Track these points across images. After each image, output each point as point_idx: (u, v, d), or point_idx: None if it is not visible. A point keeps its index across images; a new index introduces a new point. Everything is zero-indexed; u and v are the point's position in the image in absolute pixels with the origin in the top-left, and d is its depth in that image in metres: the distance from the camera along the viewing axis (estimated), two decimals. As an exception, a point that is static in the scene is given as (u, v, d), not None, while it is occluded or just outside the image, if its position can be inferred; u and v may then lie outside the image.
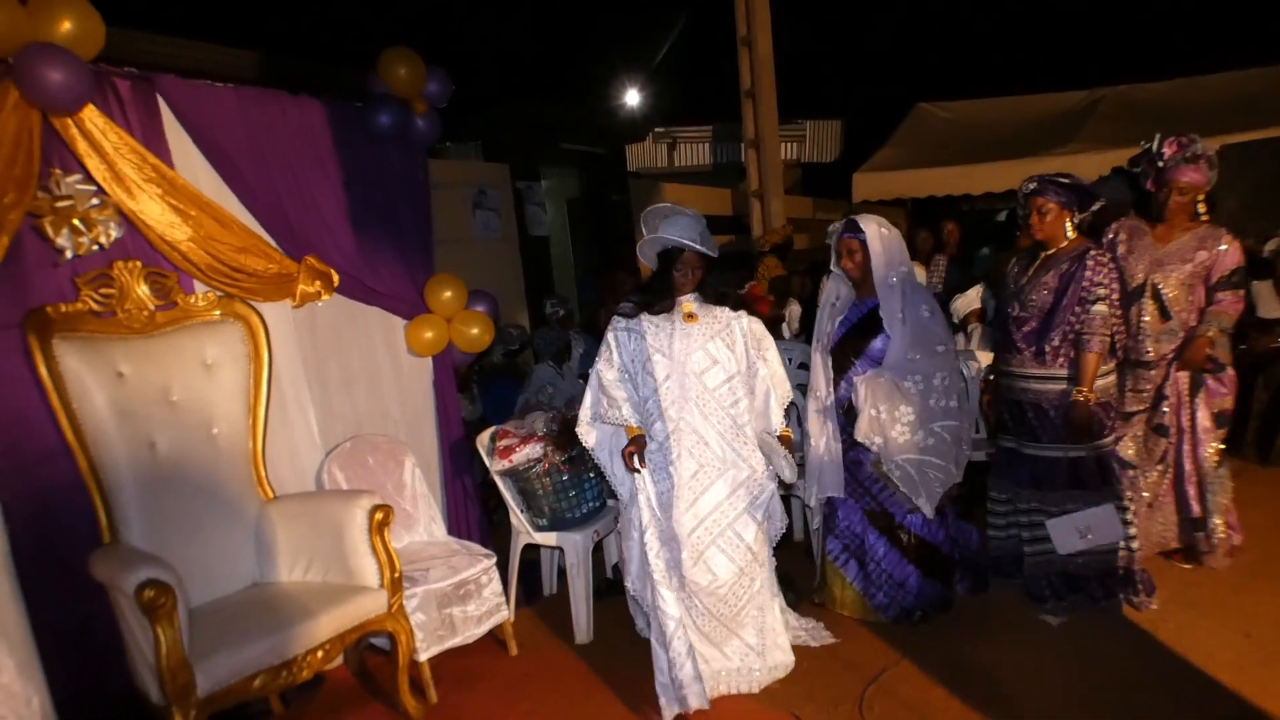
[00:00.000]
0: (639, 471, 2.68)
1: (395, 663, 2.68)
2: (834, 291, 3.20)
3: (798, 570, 3.49)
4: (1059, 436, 3.04)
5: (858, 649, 2.98)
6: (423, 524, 3.27)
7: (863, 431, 2.99)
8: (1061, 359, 3.01)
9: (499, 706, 2.79)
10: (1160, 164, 3.18)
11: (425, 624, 2.82)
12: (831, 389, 3.13)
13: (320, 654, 2.45)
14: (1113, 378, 3.10)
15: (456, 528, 3.47)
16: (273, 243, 2.99)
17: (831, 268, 3.19)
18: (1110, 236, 3.35)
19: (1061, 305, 2.96)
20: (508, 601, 3.18)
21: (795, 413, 3.78)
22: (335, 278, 3.15)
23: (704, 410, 2.70)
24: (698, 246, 2.67)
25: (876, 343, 3.04)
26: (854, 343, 3.09)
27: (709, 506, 2.68)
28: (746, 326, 2.79)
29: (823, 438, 3.14)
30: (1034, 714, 2.54)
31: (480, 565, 3.01)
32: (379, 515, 2.64)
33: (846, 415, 3.09)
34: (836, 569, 3.18)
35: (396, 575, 2.66)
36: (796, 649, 2.88)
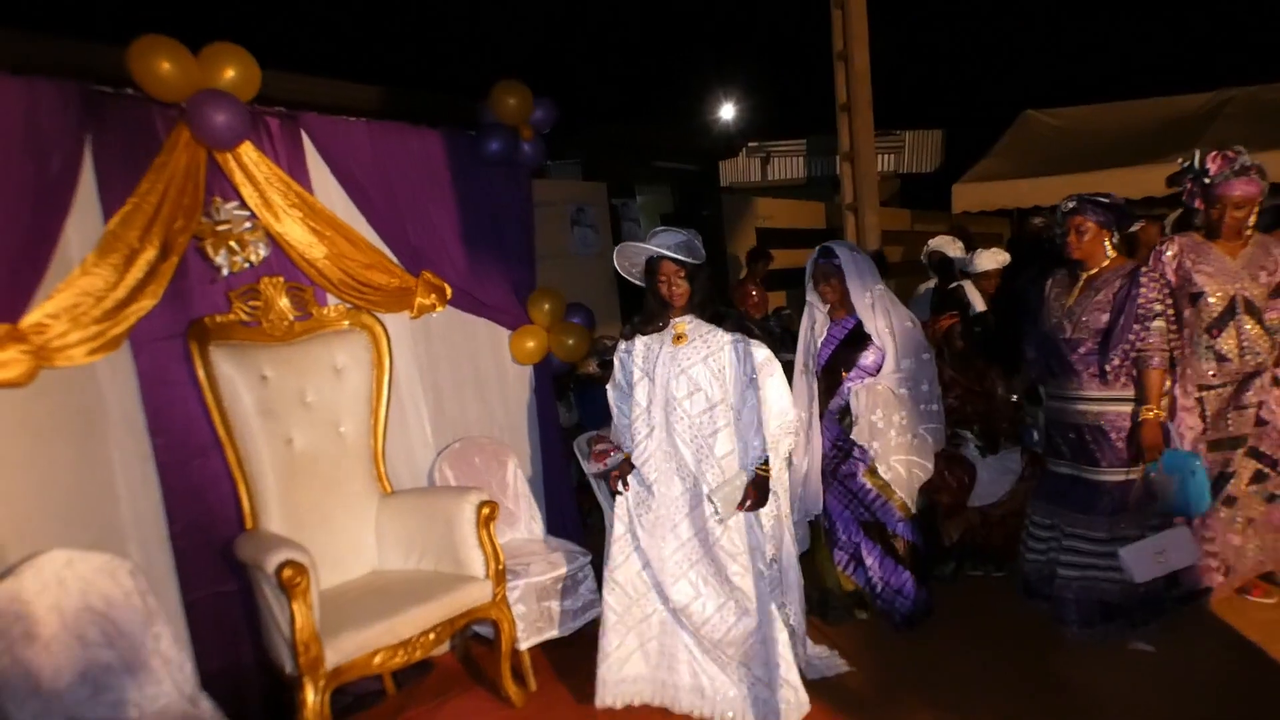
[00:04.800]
0: (621, 494, 2.74)
1: (498, 650, 2.88)
2: (809, 319, 3.34)
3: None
4: (1119, 460, 2.98)
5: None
6: (524, 522, 3.49)
7: (863, 435, 3.15)
8: (1124, 379, 2.95)
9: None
10: (1208, 180, 3.03)
11: (525, 615, 3.02)
12: (815, 408, 3.26)
13: (431, 636, 2.68)
14: (1167, 399, 3.02)
15: (554, 527, 3.66)
16: (394, 259, 3.27)
17: (808, 296, 3.32)
18: (1166, 251, 3.15)
19: (1119, 325, 2.91)
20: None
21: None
22: (448, 291, 3.41)
23: (684, 437, 2.68)
24: (665, 252, 2.59)
25: (867, 355, 3.19)
26: (845, 357, 3.23)
27: (688, 532, 2.69)
28: (744, 351, 2.66)
29: (805, 457, 3.26)
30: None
31: (577, 562, 3.19)
32: (486, 510, 2.86)
33: (841, 424, 3.22)
34: (846, 575, 3.33)
35: (501, 567, 2.87)
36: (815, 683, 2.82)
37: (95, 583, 2.18)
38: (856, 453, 3.20)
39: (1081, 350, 3.01)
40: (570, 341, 3.74)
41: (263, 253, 2.92)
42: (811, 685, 2.86)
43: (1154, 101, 7.78)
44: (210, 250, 2.80)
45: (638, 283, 2.81)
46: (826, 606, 3.37)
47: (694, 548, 2.68)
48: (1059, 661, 2.98)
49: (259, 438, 2.77)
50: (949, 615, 3.31)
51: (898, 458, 3.18)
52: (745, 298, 5.80)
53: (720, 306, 2.76)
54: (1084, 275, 3.05)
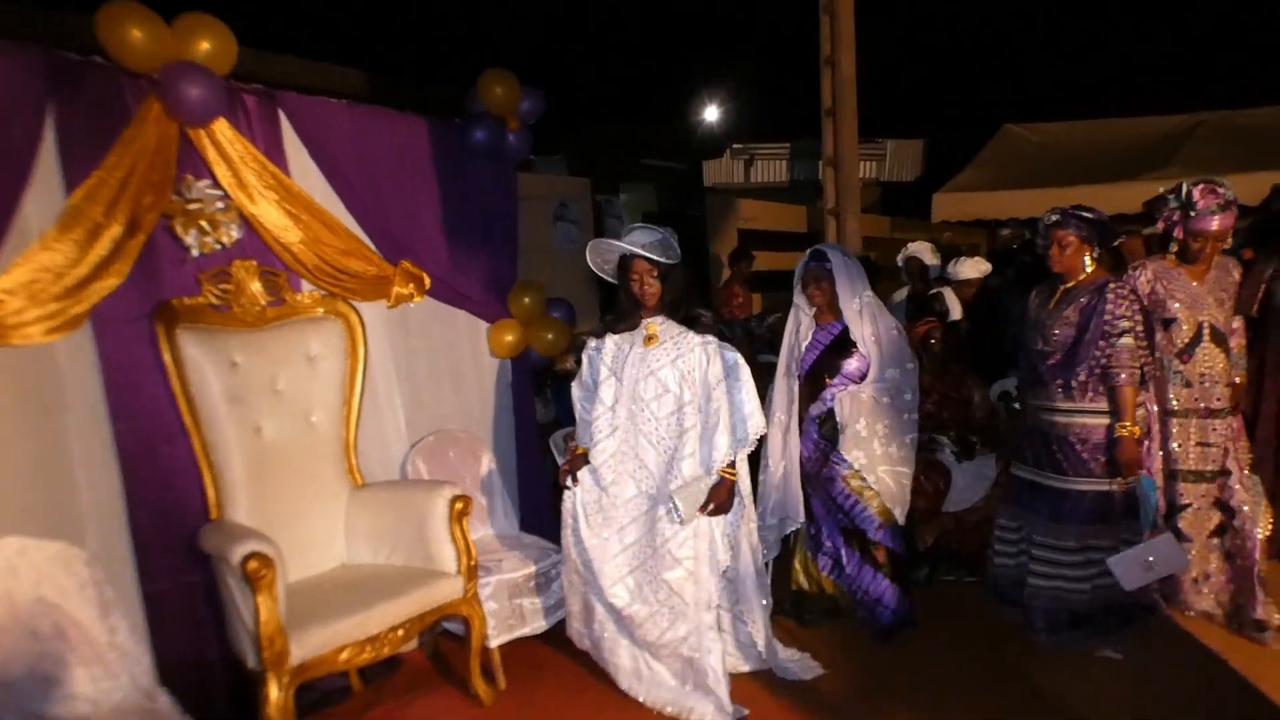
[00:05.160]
0: (569, 489, 2.75)
1: (468, 648, 2.82)
2: (794, 322, 3.30)
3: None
4: (1085, 471, 3.00)
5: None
6: (497, 517, 3.43)
7: (847, 444, 3.10)
8: (1091, 394, 2.97)
9: (565, 695, 2.91)
10: (1193, 213, 3.06)
11: (497, 612, 2.96)
12: (795, 411, 3.22)
13: (400, 632, 2.61)
14: (1142, 411, 3.05)
15: (528, 523, 3.60)
16: (372, 247, 3.19)
17: (795, 299, 3.28)
18: (1140, 276, 3.20)
19: (1085, 340, 2.92)
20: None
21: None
22: (427, 281, 3.34)
23: (650, 439, 2.67)
24: (637, 250, 2.58)
25: (851, 361, 3.15)
26: (829, 363, 3.19)
27: (634, 536, 2.67)
28: (714, 352, 2.64)
29: (782, 461, 3.23)
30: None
31: (550, 559, 3.13)
32: (459, 505, 2.79)
33: (821, 430, 3.19)
34: (831, 579, 3.31)
35: (473, 563, 2.81)
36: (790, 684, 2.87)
37: (49, 572, 2.09)
38: (834, 458, 3.17)
39: (1050, 362, 3.04)
40: (550, 336, 3.68)
41: (235, 234, 2.83)
42: (784, 688, 2.88)
43: (1130, 121, 7.93)
44: (180, 230, 2.70)
45: (611, 280, 2.78)
46: (801, 610, 3.35)
47: (637, 552, 2.67)
48: (1032, 666, 3.00)
49: (227, 426, 2.68)
50: (923, 619, 3.31)
51: (885, 468, 3.14)
52: (731, 299, 5.78)
53: (694, 308, 2.72)
54: (1062, 288, 3.07)
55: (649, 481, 2.67)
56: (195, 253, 2.74)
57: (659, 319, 2.69)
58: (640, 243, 2.58)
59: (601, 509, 2.71)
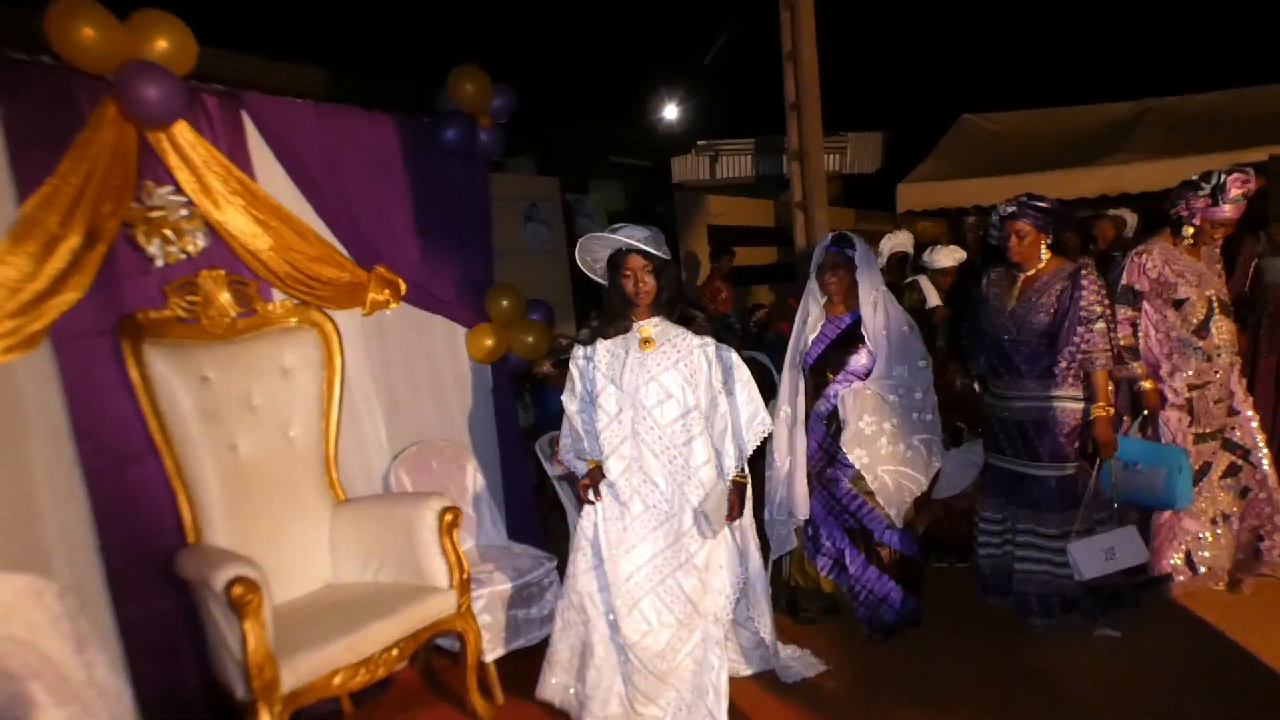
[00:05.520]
0: (592, 504, 2.54)
1: (463, 663, 2.72)
2: (805, 309, 3.19)
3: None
4: (1062, 455, 3.01)
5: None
6: (485, 528, 3.33)
7: (851, 442, 3.00)
8: (1071, 380, 2.98)
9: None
10: (1223, 200, 3.08)
11: (491, 625, 2.87)
12: (803, 406, 3.12)
13: (394, 652, 2.51)
14: (1150, 384, 3.13)
15: (515, 532, 3.51)
16: (345, 252, 3.07)
17: (809, 286, 3.16)
18: (1148, 260, 3.21)
19: (1065, 327, 2.94)
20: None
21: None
22: (403, 287, 3.23)
23: (654, 448, 2.48)
24: (637, 245, 2.41)
25: (858, 357, 3.06)
26: (835, 358, 3.10)
27: (648, 554, 2.49)
28: (714, 355, 2.51)
29: (789, 457, 3.14)
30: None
31: (543, 568, 3.05)
32: (448, 517, 2.70)
33: (828, 429, 3.10)
34: (830, 579, 3.23)
35: (465, 576, 2.71)
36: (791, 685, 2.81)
37: (18, 608, 1.93)
38: (842, 457, 3.07)
39: (1026, 350, 3.04)
40: (530, 339, 3.59)
41: (201, 243, 2.70)
42: (787, 689, 2.82)
43: (1081, 109, 8.10)
44: (142, 239, 2.57)
45: (599, 279, 2.62)
46: (796, 606, 3.31)
47: (651, 573, 2.49)
48: (1030, 649, 3.00)
49: (200, 444, 2.54)
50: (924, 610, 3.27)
51: (887, 468, 3.03)
52: (715, 295, 5.74)
53: (688, 308, 2.58)
54: (1022, 277, 3.07)
55: (655, 495, 2.50)
56: (159, 263, 2.60)
57: (654, 320, 2.52)
58: (634, 237, 2.44)
59: (624, 527, 2.51)
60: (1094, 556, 2.92)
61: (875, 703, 2.77)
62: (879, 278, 3.12)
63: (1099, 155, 6.94)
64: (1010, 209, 3.01)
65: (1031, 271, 3.05)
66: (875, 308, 3.06)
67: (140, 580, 2.43)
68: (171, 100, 2.49)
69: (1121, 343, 3.10)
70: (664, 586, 2.49)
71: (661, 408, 2.49)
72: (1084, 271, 2.97)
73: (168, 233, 2.61)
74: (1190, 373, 3.20)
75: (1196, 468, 3.18)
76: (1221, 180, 3.07)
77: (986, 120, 8.21)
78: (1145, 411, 3.14)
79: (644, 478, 2.51)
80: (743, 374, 2.56)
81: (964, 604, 3.40)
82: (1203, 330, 3.18)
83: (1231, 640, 2.92)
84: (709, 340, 2.52)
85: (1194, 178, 3.17)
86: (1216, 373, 3.20)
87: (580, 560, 2.58)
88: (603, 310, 2.58)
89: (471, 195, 3.57)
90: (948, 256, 4.49)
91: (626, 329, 2.53)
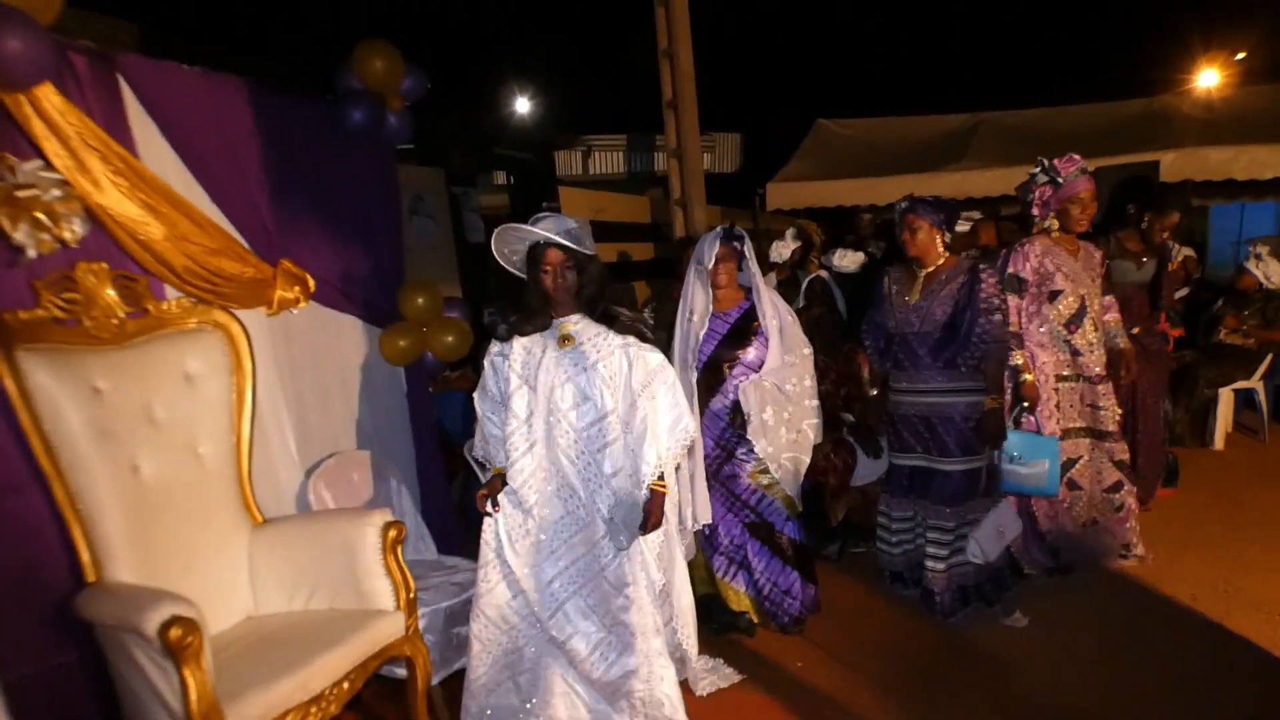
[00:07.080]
0: (490, 515, 2.42)
1: (412, 689, 2.49)
2: (690, 301, 3.09)
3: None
4: (970, 448, 3.12)
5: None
6: (412, 542, 3.08)
7: (756, 434, 3.00)
8: (973, 371, 3.10)
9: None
10: (1060, 180, 3.36)
11: (434, 645, 2.65)
12: (695, 405, 2.99)
13: (346, 685, 2.25)
14: (1031, 376, 3.30)
15: (441, 544, 3.28)
16: (246, 244, 2.74)
17: (696, 280, 3.07)
18: (1031, 252, 3.43)
19: (967, 320, 3.05)
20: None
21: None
22: (311, 284, 2.92)
23: (569, 453, 2.38)
24: (552, 237, 2.29)
25: (749, 351, 3.06)
26: (727, 354, 3.08)
27: (567, 561, 2.41)
28: (636, 356, 2.40)
29: (690, 461, 3.03)
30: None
31: (485, 581, 2.86)
32: (392, 533, 2.46)
33: (732, 423, 3.06)
34: (728, 583, 3.17)
35: (412, 596, 2.48)
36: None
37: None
38: (740, 453, 3.06)
39: (930, 343, 3.13)
40: (450, 339, 3.35)
41: (80, 230, 2.29)
42: (704, 702, 2.74)
43: (923, 119, 8.76)
44: (8, 225, 2.14)
45: (518, 274, 2.48)
46: (709, 614, 3.16)
47: (574, 575, 2.40)
48: (952, 632, 3.14)
49: (95, 466, 2.16)
50: (839, 599, 3.35)
51: (788, 455, 3.07)
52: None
53: (610, 305, 2.46)
54: (923, 273, 3.18)
55: (574, 500, 2.39)
56: (31, 253, 2.19)
57: (574, 318, 2.41)
58: (553, 230, 2.31)
59: (529, 534, 2.39)
60: (992, 538, 3.10)
61: (794, 702, 2.74)
62: (759, 269, 3.12)
63: (946, 161, 7.53)
64: (904, 204, 3.15)
65: (932, 268, 3.16)
66: (763, 297, 3.04)
67: (29, 633, 2.04)
68: (37, 55, 2.09)
69: (1011, 328, 3.32)
70: (581, 595, 2.41)
71: (578, 411, 2.38)
72: (982, 265, 3.14)
73: (40, 216, 2.19)
74: (1061, 363, 3.43)
75: (1064, 460, 3.41)
76: (1049, 164, 3.37)
77: (839, 125, 8.70)
78: (1025, 403, 3.29)
79: (562, 482, 2.40)
80: (667, 376, 2.43)
81: (883, 590, 3.49)
82: (1074, 324, 3.41)
83: (1135, 598, 3.23)
84: (631, 340, 2.41)
85: (1029, 175, 3.48)
86: (1083, 368, 3.44)
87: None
88: (520, 306, 2.44)
89: (379, 183, 3.29)
90: (853, 261, 4.65)
91: (545, 326, 2.42)
